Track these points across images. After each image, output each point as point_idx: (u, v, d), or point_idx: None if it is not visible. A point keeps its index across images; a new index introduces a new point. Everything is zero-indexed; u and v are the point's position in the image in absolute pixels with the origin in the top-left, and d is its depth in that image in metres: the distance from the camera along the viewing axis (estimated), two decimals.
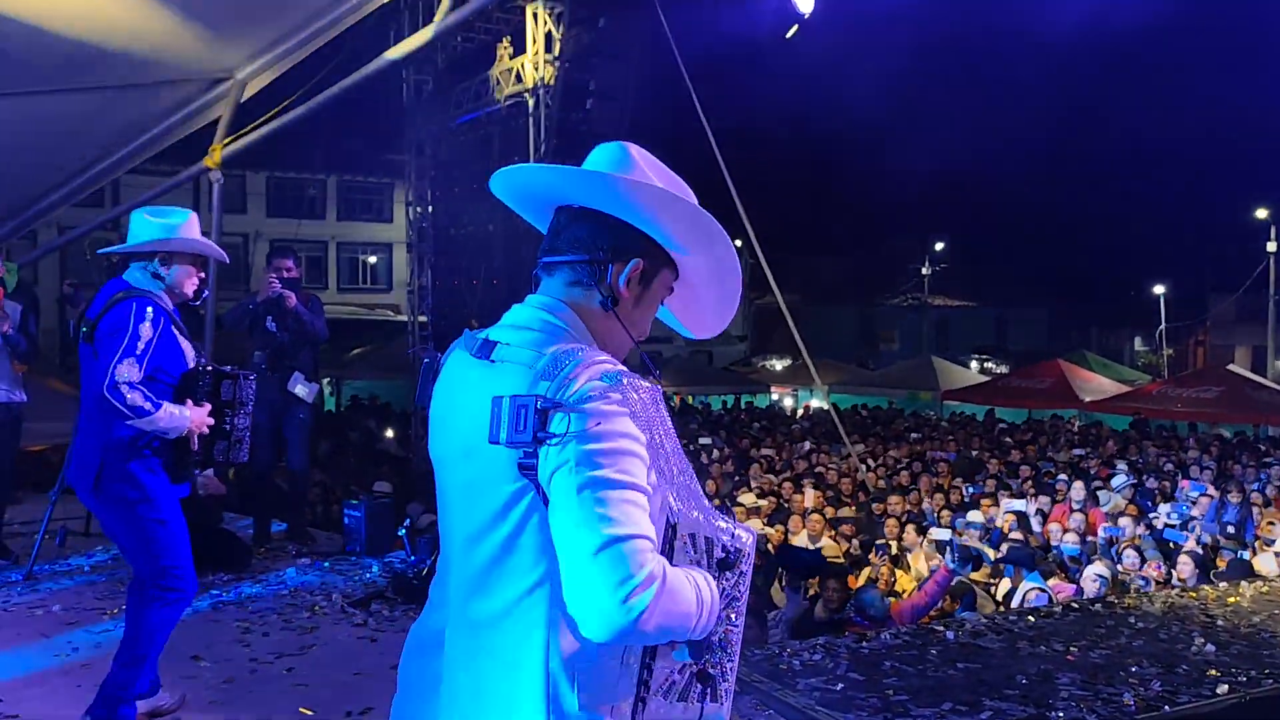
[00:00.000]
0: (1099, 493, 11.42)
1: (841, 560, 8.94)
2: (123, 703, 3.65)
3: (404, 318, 24.68)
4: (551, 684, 1.50)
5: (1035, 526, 10.12)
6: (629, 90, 10.23)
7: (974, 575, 7.71)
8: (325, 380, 24.54)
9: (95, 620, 5.18)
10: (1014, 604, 6.81)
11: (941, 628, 5.18)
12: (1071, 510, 10.37)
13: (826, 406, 20.77)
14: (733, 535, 1.68)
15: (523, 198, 1.73)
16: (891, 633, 5.15)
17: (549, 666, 1.50)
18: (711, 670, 1.64)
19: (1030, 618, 5.45)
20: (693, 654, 1.59)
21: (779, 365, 34.29)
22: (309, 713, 4.11)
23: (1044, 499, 11.11)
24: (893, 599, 7.14)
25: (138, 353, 3.53)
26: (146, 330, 3.56)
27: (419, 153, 12.49)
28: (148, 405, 3.52)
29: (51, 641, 4.88)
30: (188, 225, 3.76)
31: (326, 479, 11.06)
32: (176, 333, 3.75)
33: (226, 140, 8.57)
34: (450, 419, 1.64)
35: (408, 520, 6.53)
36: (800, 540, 9.63)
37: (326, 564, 6.29)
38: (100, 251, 4.09)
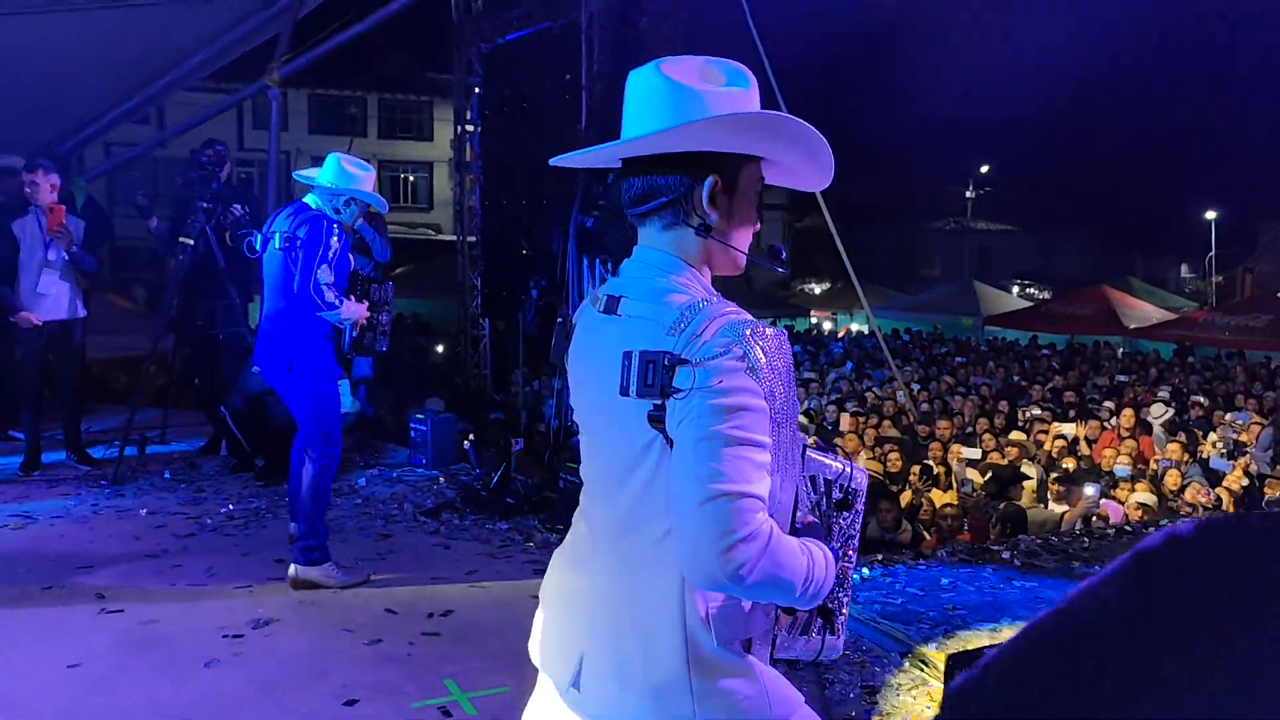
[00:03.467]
0: (1148, 420, 11.40)
1: (878, 478, 9.06)
2: (314, 549, 4.54)
3: (447, 236, 24.75)
4: (688, 623, 1.59)
5: (1084, 451, 10.19)
6: (682, 7, 10.10)
7: (1021, 502, 7.81)
8: None
9: (181, 525, 5.42)
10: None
11: (997, 548, 5.31)
12: (1121, 438, 10.39)
13: (867, 330, 20.77)
14: (850, 476, 1.77)
15: (583, 164, 1.80)
16: (948, 550, 5.28)
17: (685, 607, 1.59)
18: (830, 605, 1.75)
19: (1084, 539, 5.56)
20: None
21: (818, 289, 34.17)
22: (395, 613, 4.33)
23: (1092, 424, 11.10)
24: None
25: (330, 259, 4.36)
26: (335, 244, 4.41)
27: (467, 71, 12.39)
28: (336, 301, 4.40)
29: (143, 543, 5.13)
30: (371, 179, 4.64)
31: (390, 395, 11.23)
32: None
33: (285, 58, 8.62)
34: (587, 374, 1.72)
35: (471, 435, 6.71)
36: None
37: (394, 474, 6.51)
38: (296, 175, 4.90)
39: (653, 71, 1.67)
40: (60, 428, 6.59)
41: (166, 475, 6.35)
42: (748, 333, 1.53)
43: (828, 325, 27.62)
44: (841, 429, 10.69)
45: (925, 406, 13.21)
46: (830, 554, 1.67)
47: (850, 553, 1.84)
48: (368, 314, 4.66)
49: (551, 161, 1.85)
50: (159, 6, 7.97)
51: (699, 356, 1.51)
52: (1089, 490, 7.11)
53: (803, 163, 1.77)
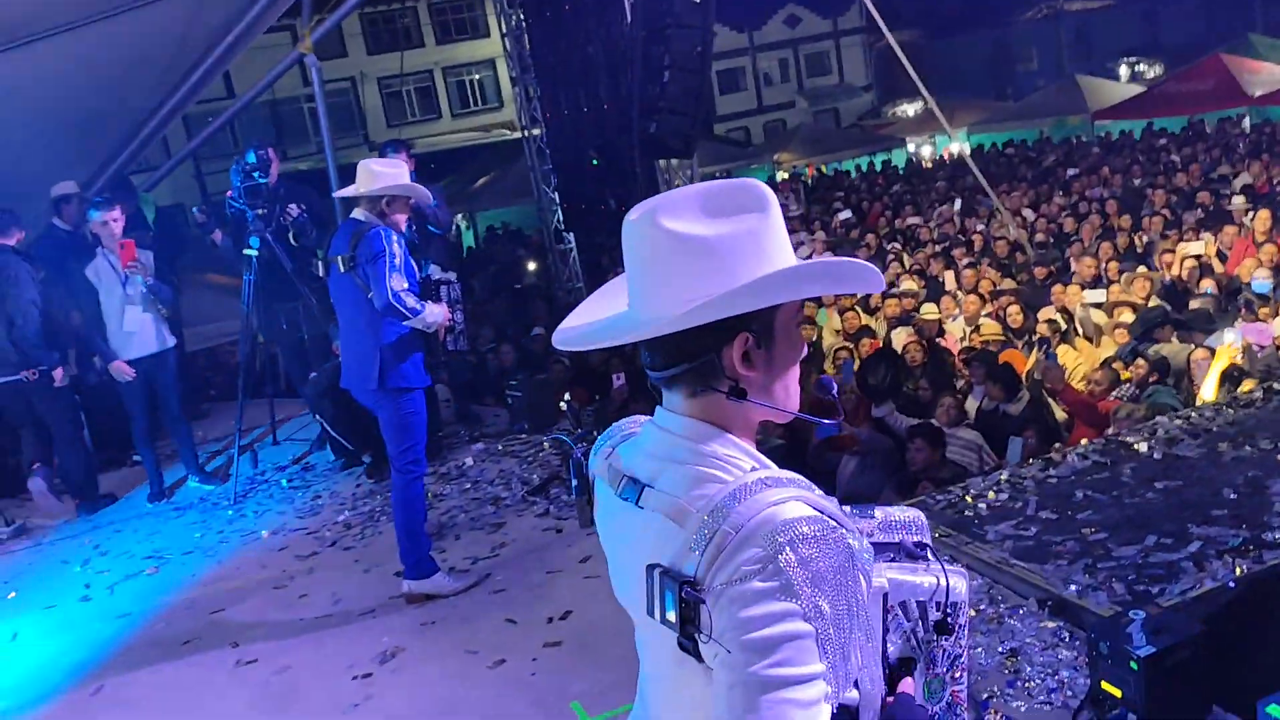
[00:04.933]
0: None
1: (999, 339, 8.60)
2: (420, 562, 4.56)
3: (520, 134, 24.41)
4: None
5: (1217, 268, 9.48)
6: None
7: (1165, 349, 7.26)
8: (459, 215, 24.70)
9: (302, 544, 5.52)
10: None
11: (1132, 439, 4.94)
12: (1258, 243, 9.57)
13: (968, 150, 19.65)
14: (945, 590, 1.54)
15: (591, 345, 1.53)
16: (1079, 453, 4.94)
17: None
18: None
19: (1230, 411, 5.13)
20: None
21: (911, 110, 32.45)
22: (515, 622, 4.32)
23: (1228, 231, 10.24)
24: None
25: (398, 267, 4.30)
26: (398, 250, 4.34)
27: None
28: (419, 306, 4.35)
29: (269, 571, 5.24)
30: (403, 169, 4.53)
31: (491, 331, 11.07)
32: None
33: (314, 22, 8.37)
34: (615, 564, 1.55)
35: (568, 395, 6.59)
36: (957, 325, 9.34)
37: (499, 446, 6.47)
38: (335, 194, 4.99)
39: (652, 226, 1.40)
40: (178, 447, 6.75)
41: (284, 485, 6.46)
42: (782, 540, 1.29)
43: (926, 150, 26.31)
44: (948, 289, 10.19)
45: (1040, 236, 12.48)
46: None
47: (959, 674, 1.63)
48: (449, 315, 4.67)
49: (556, 342, 1.60)
50: None
51: (724, 581, 1.29)
52: (1228, 337, 6.56)
53: (850, 285, 1.51)
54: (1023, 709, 3.20)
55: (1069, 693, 3.23)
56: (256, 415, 7.49)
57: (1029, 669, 3.38)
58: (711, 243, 1.39)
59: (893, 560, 1.61)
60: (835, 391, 1.64)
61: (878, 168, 23.26)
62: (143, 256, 6.13)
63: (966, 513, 4.43)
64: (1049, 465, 4.82)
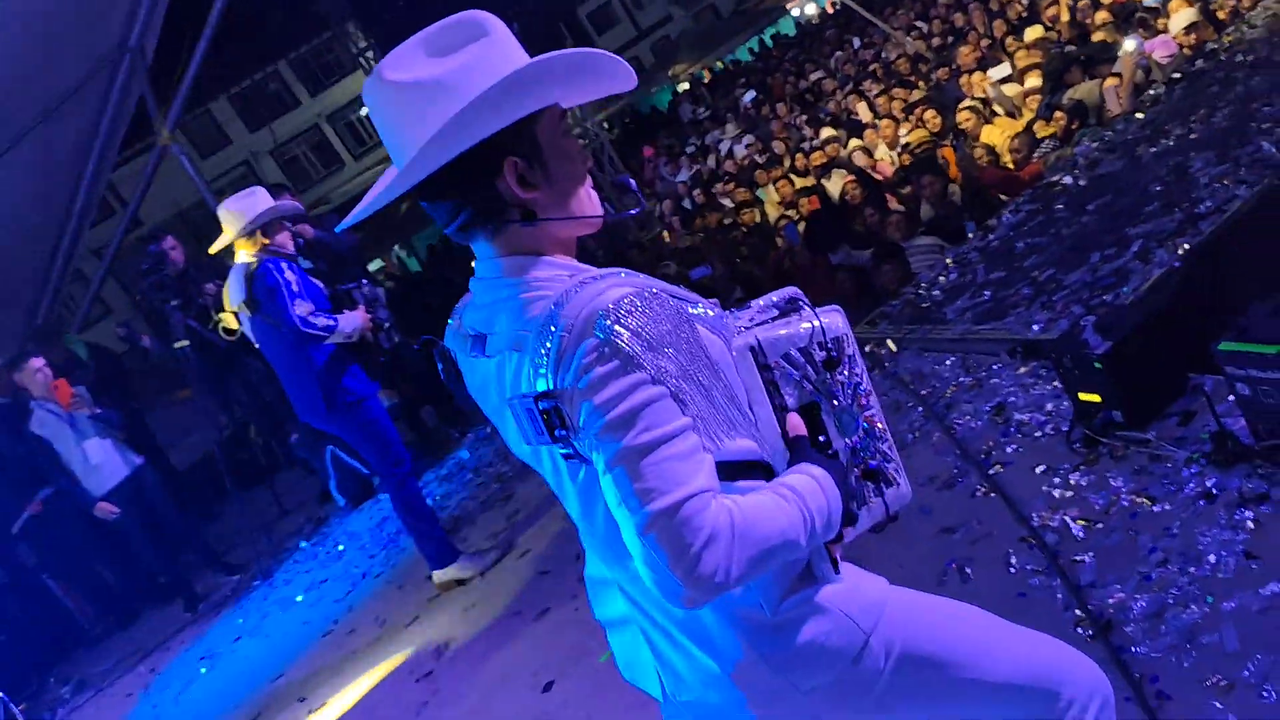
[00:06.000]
0: None
1: (929, 143, 8.58)
2: (440, 553, 4.60)
3: None
4: (731, 610, 1.46)
5: None
6: None
7: (1077, 93, 7.23)
8: (395, 246, 24.55)
9: (336, 588, 5.56)
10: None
11: (1056, 177, 4.94)
12: None
13: None
14: (821, 330, 1.56)
15: (372, 209, 1.53)
16: (1011, 209, 4.94)
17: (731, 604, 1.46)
18: (873, 463, 1.60)
19: (1139, 115, 5.12)
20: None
21: None
22: (548, 572, 4.36)
23: None
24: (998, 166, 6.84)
25: (297, 293, 4.29)
26: (291, 276, 4.33)
27: (344, 17, 11.69)
28: (331, 321, 4.36)
29: (313, 625, 5.29)
30: (260, 196, 4.44)
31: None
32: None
33: (162, 112, 8.28)
34: (499, 422, 1.57)
35: None
36: (884, 151, 9.31)
37: (488, 429, 6.50)
38: (212, 252, 4.77)
39: (382, 84, 1.41)
40: (194, 553, 6.80)
41: (303, 545, 6.51)
42: (609, 322, 1.31)
43: (811, 9, 25.99)
44: (865, 120, 10.15)
45: (937, 40, 12.42)
46: (824, 472, 1.47)
47: (866, 400, 1.66)
48: (368, 316, 4.65)
49: (338, 229, 1.61)
50: (40, 126, 7.70)
51: (571, 382, 1.32)
52: (1128, 46, 6.51)
53: (594, 82, 1.50)
54: (1021, 451, 3.23)
55: (1059, 419, 3.26)
56: (260, 497, 7.56)
57: (1017, 415, 3.41)
58: (442, 80, 1.39)
59: (771, 323, 1.63)
60: (634, 185, 1.65)
61: (769, 44, 23.05)
62: (79, 391, 6.15)
63: (924, 305, 4.44)
64: (987, 233, 4.82)
